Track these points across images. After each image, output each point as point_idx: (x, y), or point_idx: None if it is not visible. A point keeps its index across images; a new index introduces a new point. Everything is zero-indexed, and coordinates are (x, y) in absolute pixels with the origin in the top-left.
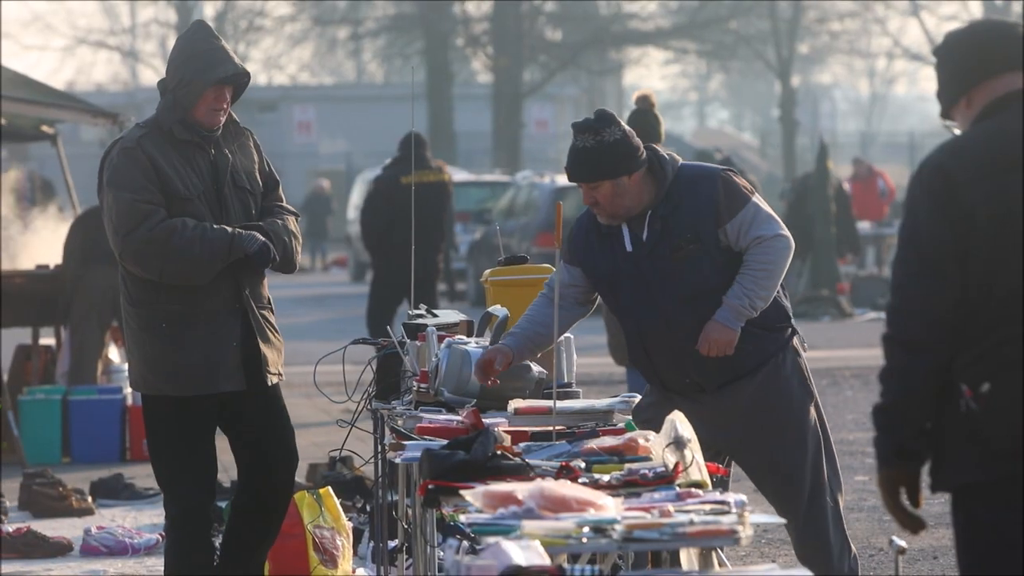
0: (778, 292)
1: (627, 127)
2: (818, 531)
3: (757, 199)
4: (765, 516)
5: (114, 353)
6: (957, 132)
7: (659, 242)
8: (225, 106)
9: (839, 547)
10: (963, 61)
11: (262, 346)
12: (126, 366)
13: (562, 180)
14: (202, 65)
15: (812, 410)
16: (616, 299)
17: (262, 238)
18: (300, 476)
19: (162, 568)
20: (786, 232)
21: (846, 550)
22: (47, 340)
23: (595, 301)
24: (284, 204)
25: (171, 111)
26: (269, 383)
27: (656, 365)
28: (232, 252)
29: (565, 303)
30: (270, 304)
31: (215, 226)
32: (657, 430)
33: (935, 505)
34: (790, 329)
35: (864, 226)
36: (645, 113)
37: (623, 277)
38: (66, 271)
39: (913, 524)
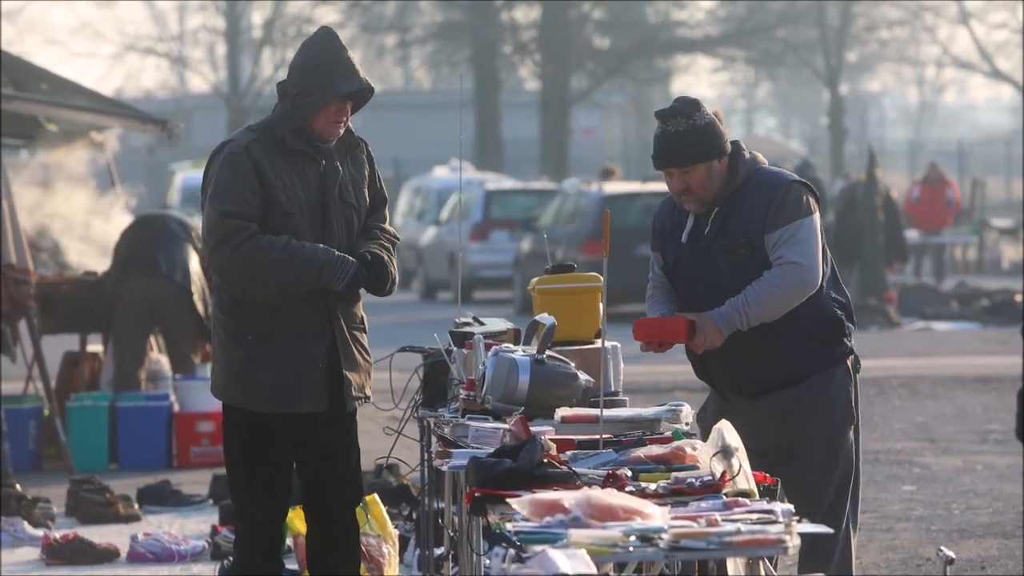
0: (837, 307)
1: (711, 114)
2: (822, 555)
3: (809, 222)
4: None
5: (158, 361)
6: None
7: (716, 240)
8: (345, 119)
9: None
10: None
11: (347, 370)
12: (170, 372)
13: (610, 188)
14: (328, 77)
15: (850, 434)
16: (675, 287)
17: (353, 269)
18: None
19: (208, 575)
20: (808, 264)
21: None
22: (96, 347)
23: None
24: (387, 226)
25: (287, 118)
26: (349, 408)
27: (703, 357)
28: (319, 281)
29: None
30: (363, 324)
31: (308, 248)
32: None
33: (982, 515)
34: (846, 347)
35: (912, 235)
36: None
37: (680, 268)
38: (108, 279)
39: None
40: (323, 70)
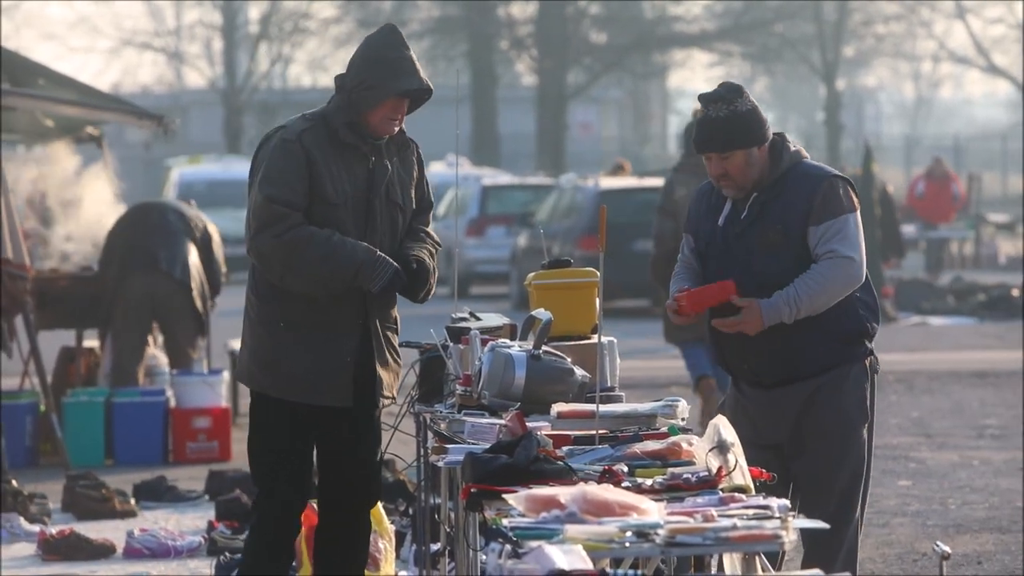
0: (863, 307)
1: (754, 101)
2: (827, 555)
3: (854, 217)
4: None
5: (154, 356)
6: None
7: (751, 226)
8: (401, 117)
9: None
10: None
11: (379, 368)
12: (167, 368)
13: (606, 183)
14: (388, 73)
15: (863, 432)
16: (704, 270)
17: (390, 273)
18: None
19: (204, 570)
20: (859, 260)
21: None
22: (92, 342)
23: None
24: (430, 231)
25: (343, 111)
26: (378, 406)
27: (722, 343)
28: (356, 279)
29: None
30: (396, 324)
31: (350, 244)
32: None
33: (979, 510)
34: (866, 347)
35: (909, 230)
36: None
37: (713, 250)
38: (106, 274)
39: None
40: (385, 65)
